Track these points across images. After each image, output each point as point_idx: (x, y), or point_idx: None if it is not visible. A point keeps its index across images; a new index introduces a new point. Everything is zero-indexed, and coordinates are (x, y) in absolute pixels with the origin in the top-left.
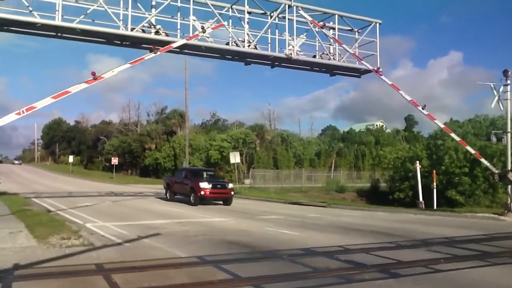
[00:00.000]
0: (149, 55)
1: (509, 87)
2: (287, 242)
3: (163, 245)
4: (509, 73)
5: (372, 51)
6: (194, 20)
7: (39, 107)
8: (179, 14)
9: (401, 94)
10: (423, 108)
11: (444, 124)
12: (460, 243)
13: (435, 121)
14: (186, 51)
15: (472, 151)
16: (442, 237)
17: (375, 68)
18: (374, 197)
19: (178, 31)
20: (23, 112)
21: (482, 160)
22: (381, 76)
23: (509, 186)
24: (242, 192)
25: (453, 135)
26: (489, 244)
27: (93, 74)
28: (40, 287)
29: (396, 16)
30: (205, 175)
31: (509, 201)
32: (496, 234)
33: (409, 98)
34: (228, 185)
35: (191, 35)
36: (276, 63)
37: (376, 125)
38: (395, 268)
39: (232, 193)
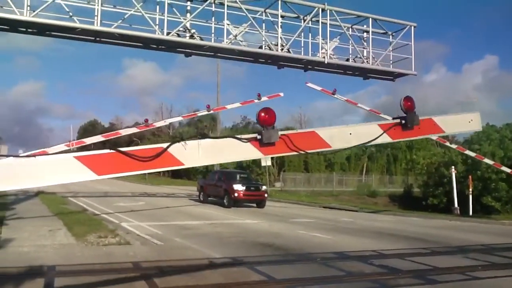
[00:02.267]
0: (203, 112)
1: None
2: (320, 246)
3: (197, 245)
4: None
5: (406, 54)
6: (228, 25)
7: (88, 143)
8: (213, 18)
9: (336, 97)
10: (333, 93)
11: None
12: (498, 251)
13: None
14: (219, 55)
15: (508, 170)
16: (479, 244)
17: (332, 91)
18: (407, 202)
19: (212, 35)
20: (72, 145)
21: None
22: (335, 95)
23: None
24: (273, 195)
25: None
26: None
27: (146, 121)
28: (80, 284)
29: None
30: (238, 178)
31: None
32: None
33: (367, 108)
34: (262, 187)
35: (225, 39)
36: (309, 67)
37: None
38: (431, 274)
39: (266, 195)
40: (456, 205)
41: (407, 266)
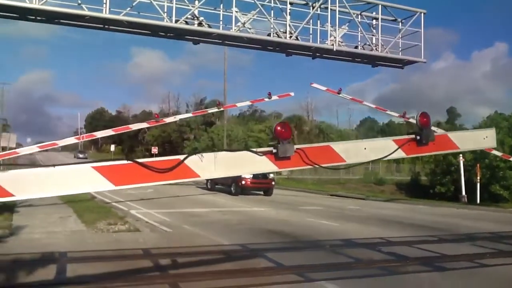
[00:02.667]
0: (213, 109)
1: None
2: (328, 233)
3: (206, 232)
4: None
5: (416, 41)
6: (236, 12)
7: (98, 136)
8: (221, 5)
9: (342, 96)
10: (338, 93)
11: (487, 117)
12: (506, 239)
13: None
14: (228, 42)
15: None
16: (487, 232)
17: (337, 91)
18: (414, 190)
19: (220, 22)
20: (83, 138)
21: None
22: (340, 95)
23: None
24: (280, 183)
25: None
26: None
27: (157, 116)
28: (92, 269)
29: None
30: None
31: None
32: None
33: (373, 106)
34: (269, 175)
35: (233, 26)
36: (317, 54)
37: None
38: (439, 261)
39: (273, 183)
40: (463, 193)
41: (415, 253)
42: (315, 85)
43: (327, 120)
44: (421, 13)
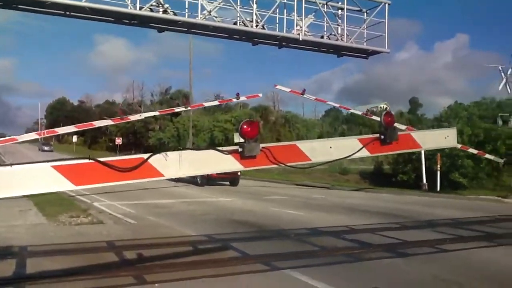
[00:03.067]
0: (181, 108)
1: None
2: (293, 222)
3: (171, 223)
4: None
5: (380, 32)
6: (203, 0)
7: (60, 133)
8: None
9: (306, 97)
10: (302, 94)
11: (448, 106)
12: (465, 224)
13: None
14: (193, 30)
15: (474, 151)
16: (447, 218)
17: (301, 92)
18: (377, 179)
19: (186, 10)
20: (43, 134)
21: (487, 155)
22: (304, 95)
23: None
24: (246, 173)
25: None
26: (493, 226)
27: (121, 113)
28: (53, 264)
29: None
30: None
31: None
32: (500, 216)
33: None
34: None
35: (199, 14)
36: (284, 44)
37: (380, 107)
38: (402, 248)
39: (239, 173)
40: (424, 181)
41: (378, 240)
42: (279, 86)
43: (293, 110)
44: (385, 3)
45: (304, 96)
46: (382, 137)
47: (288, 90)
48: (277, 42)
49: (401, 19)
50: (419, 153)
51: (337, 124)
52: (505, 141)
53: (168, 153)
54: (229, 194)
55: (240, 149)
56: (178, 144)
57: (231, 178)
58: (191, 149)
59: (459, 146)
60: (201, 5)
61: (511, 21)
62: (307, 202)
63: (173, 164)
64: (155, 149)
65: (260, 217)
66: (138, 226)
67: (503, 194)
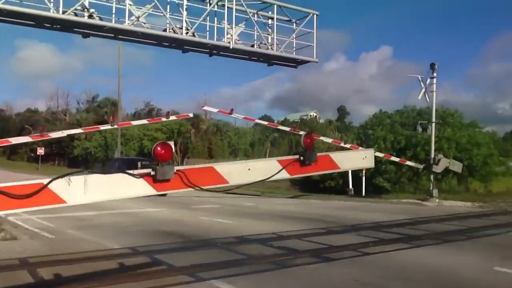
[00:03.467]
0: (106, 126)
1: (435, 79)
2: (222, 231)
3: (94, 237)
4: (436, 66)
5: (309, 42)
6: (130, 5)
7: None
8: None
9: (234, 116)
10: (230, 113)
11: (374, 114)
12: (387, 227)
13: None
14: (120, 36)
15: (397, 159)
16: (371, 222)
17: (229, 111)
18: (307, 185)
19: (113, 15)
20: None
21: (408, 162)
22: (232, 115)
23: (432, 175)
24: None
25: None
26: (413, 228)
27: (42, 130)
28: None
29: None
30: (139, 165)
31: (431, 188)
32: (419, 218)
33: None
34: None
35: (126, 20)
36: (214, 52)
37: (310, 115)
38: (327, 252)
39: None
40: (350, 186)
41: (305, 246)
42: (206, 108)
43: (224, 119)
44: (313, 14)
45: (232, 115)
46: (302, 158)
47: (215, 110)
48: (208, 50)
49: (329, 30)
50: None
51: (268, 132)
52: (424, 147)
53: (72, 177)
54: (158, 204)
55: (152, 172)
56: (106, 154)
57: None
58: (99, 173)
59: (382, 155)
60: (129, 10)
61: (430, 34)
62: (237, 210)
63: (77, 189)
64: (81, 160)
65: (189, 227)
66: (57, 240)
67: (422, 197)
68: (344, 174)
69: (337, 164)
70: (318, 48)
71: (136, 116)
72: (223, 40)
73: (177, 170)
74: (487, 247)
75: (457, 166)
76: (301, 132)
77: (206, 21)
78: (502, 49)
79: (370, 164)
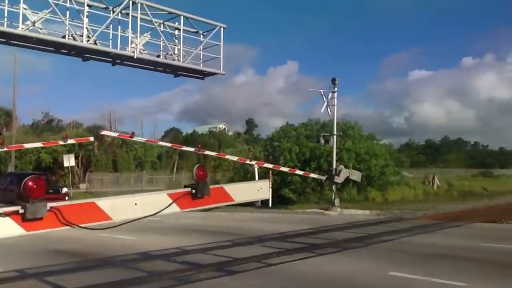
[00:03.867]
0: None
1: (336, 94)
2: (123, 248)
3: None
4: (337, 81)
5: (216, 54)
6: (25, 9)
7: None
8: (6, 1)
9: (136, 139)
10: (131, 137)
11: (281, 127)
12: (291, 237)
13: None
14: (13, 42)
15: (301, 173)
16: (276, 233)
17: (130, 135)
18: None
19: (6, 19)
20: None
21: (311, 174)
22: (133, 138)
23: (334, 185)
24: (77, 197)
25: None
26: (316, 237)
27: None
28: None
29: (241, 23)
30: None
31: (333, 197)
32: (321, 227)
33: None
34: (61, 189)
35: (20, 25)
36: (118, 61)
37: (219, 127)
38: (230, 265)
39: (67, 198)
40: None
41: (209, 259)
42: (104, 132)
43: (131, 130)
44: (221, 27)
45: (133, 138)
46: (194, 191)
47: (115, 135)
48: (110, 59)
49: (238, 44)
50: (253, 171)
51: (176, 144)
52: (327, 158)
53: None
54: None
55: (21, 210)
56: None
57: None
58: None
59: (287, 170)
60: (24, 15)
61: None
62: (141, 225)
63: None
64: None
65: (86, 245)
66: None
67: (325, 207)
68: None
69: (232, 196)
70: (226, 61)
71: (34, 126)
72: (127, 49)
73: (50, 207)
74: (383, 252)
75: (356, 176)
76: (206, 152)
77: (109, 29)
78: (397, 67)
79: (266, 195)
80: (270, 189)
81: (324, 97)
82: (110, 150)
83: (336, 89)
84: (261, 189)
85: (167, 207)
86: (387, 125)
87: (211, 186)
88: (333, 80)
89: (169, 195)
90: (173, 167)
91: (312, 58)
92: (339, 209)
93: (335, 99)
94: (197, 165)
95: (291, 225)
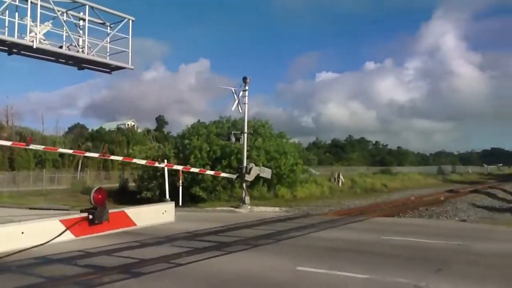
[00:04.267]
0: None
1: (247, 92)
2: (20, 252)
3: None
4: (248, 80)
5: (125, 48)
6: None
7: None
8: None
9: (33, 147)
10: (27, 145)
11: (192, 125)
12: (201, 236)
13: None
14: None
15: (212, 172)
16: (186, 232)
17: (26, 142)
18: (123, 197)
19: None
20: None
21: (222, 174)
22: (30, 146)
23: (244, 183)
24: None
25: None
26: (226, 235)
27: None
28: None
29: (152, 17)
30: None
31: (243, 195)
32: (232, 225)
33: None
34: None
35: None
36: (15, 50)
37: (128, 124)
38: (137, 267)
39: None
40: (167, 197)
41: (114, 262)
42: (1, 142)
43: (31, 126)
44: (129, 19)
45: (30, 147)
46: (91, 217)
47: (9, 143)
48: (7, 48)
49: (149, 39)
50: (163, 169)
51: (81, 141)
52: (237, 156)
53: None
54: None
55: None
56: None
57: None
58: None
59: (212, 173)
60: None
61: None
62: None
63: None
64: None
65: None
66: None
67: (236, 205)
68: (162, 184)
69: (134, 221)
70: (135, 56)
71: None
72: (25, 38)
73: None
74: (291, 248)
75: (266, 173)
76: (112, 157)
77: (5, 16)
78: (305, 68)
79: (170, 218)
80: (181, 186)
81: (235, 95)
82: (7, 147)
83: (247, 87)
84: (165, 212)
85: (59, 235)
86: (296, 124)
87: (110, 210)
88: (244, 79)
89: (62, 221)
90: (77, 165)
91: (224, 56)
92: (249, 207)
93: (246, 97)
94: (95, 188)
95: (202, 224)
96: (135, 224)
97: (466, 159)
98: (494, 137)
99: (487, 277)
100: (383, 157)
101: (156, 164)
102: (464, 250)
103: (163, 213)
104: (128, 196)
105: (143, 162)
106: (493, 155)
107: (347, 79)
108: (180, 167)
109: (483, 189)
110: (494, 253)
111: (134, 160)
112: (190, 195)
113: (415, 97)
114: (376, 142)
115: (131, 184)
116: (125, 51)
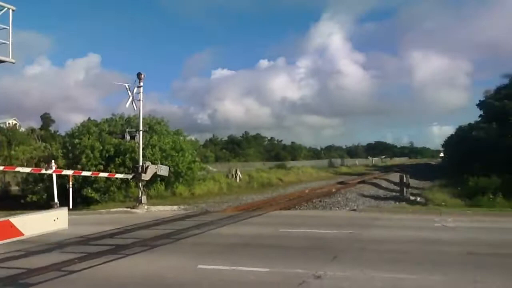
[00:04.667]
0: None
1: (142, 89)
2: None
3: None
4: (142, 76)
5: (4, 40)
6: None
7: None
8: None
9: None
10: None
11: (82, 123)
12: (95, 240)
13: None
14: None
15: (106, 174)
16: (77, 237)
17: None
18: (5, 202)
19: None
20: None
21: (117, 175)
22: None
23: (140, 183)
24: None
25: None
26: (122, 237)
27: None
28: None
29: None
30: None
31: (140, 195)
32: (128, 226)
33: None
34: None
35: None
36: None
37: (9, 123)
38: (24, 277)
39: None
40: (56, 200)
41: None
42: None
43: None
44: (9, 9)
45: None
46: None
47: None
48: None
49: (32, 32)
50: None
51: None
52: (131, 155)
53: None
54: None
55: None
56: None
57: None
58: None
59: (67, 227)
60: None
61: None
62: None
63: None
64: None
65: None
66: None
67: (132, 205)
68: (49, 187)
69: (20, 230)
70: (17, 49)
71: None
72: None
73: None
74: (192, 247)
75: (164, 170)
76: (19, 169)
77: None
78: (200, 66)
79: (63, 225)
80: (71, 188)
81: (129, 92)
82: None
83: (141, 83)
84: (57, 219)
85: None
86: (192, 121)
87: None
88: (139, 75)
89: None
90: None
91: (115, 53)
92: (146, 206)
93: (141, 94)
94: None
95: (95, 227)
96: (23, 234)
97: (353, 152)
98: (377, 131)
99: (376, 262)
100: (278, 152)
101: (43, 171)
102: (355, 238)
103: (54, 220)
104: (11, 201)
105: (27, 170)
106: (376, 148)
107: (242, 76)
108: (70, 172)
109: (369, 180)
110: (380, 239)
111: (18, 169)
112: (82, 196)
113: (306, 95)
114: (271, 138)
115: (14, 188)
116: (5, 43)
